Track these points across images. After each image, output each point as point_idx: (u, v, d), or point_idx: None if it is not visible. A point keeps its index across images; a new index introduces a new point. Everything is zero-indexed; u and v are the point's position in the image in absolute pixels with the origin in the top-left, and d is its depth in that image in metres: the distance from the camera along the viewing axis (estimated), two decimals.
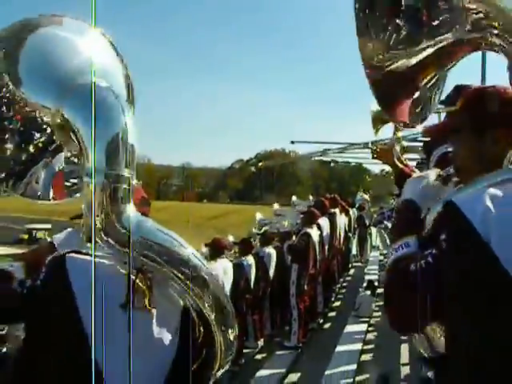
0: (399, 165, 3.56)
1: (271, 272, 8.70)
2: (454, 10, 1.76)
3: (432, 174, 1.96)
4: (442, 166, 3.24)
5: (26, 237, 61.42)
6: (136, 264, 1.77)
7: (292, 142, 5.40)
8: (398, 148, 3.68)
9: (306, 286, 8.27)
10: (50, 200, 2.18)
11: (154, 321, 1.85)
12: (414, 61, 1.89)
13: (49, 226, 64.06)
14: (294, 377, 6.92)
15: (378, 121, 4.27)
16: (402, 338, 7.71)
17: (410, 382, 5.94)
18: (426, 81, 2.00)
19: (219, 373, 2.09)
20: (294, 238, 9.34)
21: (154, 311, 1.85)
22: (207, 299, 1.86)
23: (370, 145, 3.92)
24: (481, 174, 1.56)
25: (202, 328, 1.93)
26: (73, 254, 1.84)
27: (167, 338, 1.88)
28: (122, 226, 1.72)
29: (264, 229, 12.04)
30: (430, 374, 5.34)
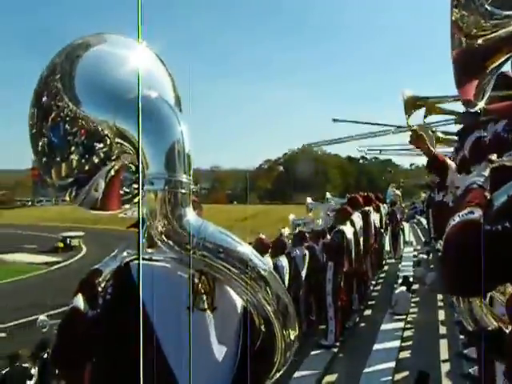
0: (432, 150, 3.62)
1: (303, 272, 8.66)
2: None
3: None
4: (475, 150, 3.28)
5: (61, 245, 62.75)
6: (198, 266, 1.84)
7: (334, 120, 5.44)
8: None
9: (341, 284, 8.22)
10: (106, 210, 2.25)
11: (218, 321, 1.90)
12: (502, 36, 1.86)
13: (82, 233, 65.31)
14: (331, 377, 6.87)
15: (410, 106, 4.27)
16: (441, 334, 7.62)
17: (452, 378, 5.84)
18: (498, 62, 1.96)
19: (276, 375, 2.09)
20: (327, 236, 9.29)
21: (217, 312, 1.90)
22: (268, 297, 1.91)
23: (411, 128, 3.97)
24: None
25: (262, 327, 1.97)
26: (136, 262, 1.89)
27: (230, 337, 1.94)
28: (184, 229, 1.80)
29: (298, 229, 11.99)
30: (471, 370, 5.28)
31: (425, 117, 4.63)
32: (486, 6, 1.83)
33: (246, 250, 1.90)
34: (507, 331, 1.90)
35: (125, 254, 2.41)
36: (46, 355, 10.39)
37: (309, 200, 15.31)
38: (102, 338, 1.84)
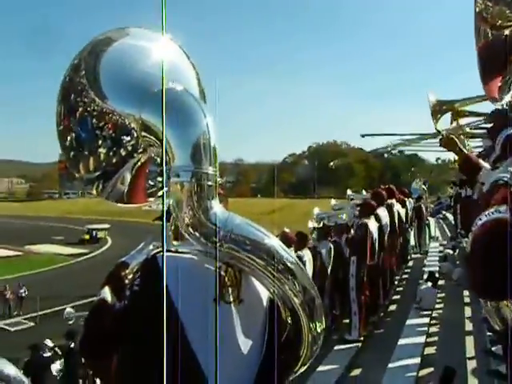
0: (465, 151, 3.56)
1: (329, 266, 8.62)
2: None
3: None
4: (507, 147, 3.22)
5: (87, 237, 63.88)
6: (225, 258, 1.83)
7: (362, 136, 5.39)
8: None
9: (365, 279, 8.16)
10: (132, 203, 2.27)
11: (244, 314, 1.90)
12: None
13: (108, 225, 66.31)
14: (355, 372, 6.84)
15: (437, 111, 4.25)
16: (467, 330, 7.51)
17: (478, 375, 5.76)
18: None
19: (302, 369, 2.08)
20: (351, 230, 9.22)
21: (243, 305, 1.89)
22: (295, 289, 1.89)
23: (441, 133, 3.94)
24: None
25: (289, 319, 1.95)
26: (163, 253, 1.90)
27: (256, 330, 1.93)
28: (210, 222, 1.80)
29: (322, 223, 11.91)
30: (501, 368, 5.19)
31: (451, 122, 4.60)
32: None
33: (272, 242, 1.88)
34: None
35: (151, 247, 2.42)
36: (72, 345, 10.62)
37: (333, 202, 15.20)
38: (130, 329, 1.85)
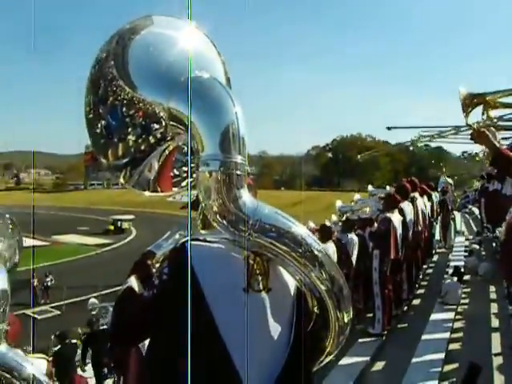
0: (497, 145, 3.49)
1: (353, 259, 8.57)
2: None
3: None
4: None
5: (112, 227, 64.71)
6: (253, 247, 1.83)
7: (388, 128, 5.27)
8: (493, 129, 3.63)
9: (388, 273, 8.09)
10: (158, 192, 2.28)
11: (272, 303, 1.89)
12: None
13: (132, 216, 67.05)
14: (378, 365, 6.80)
15: (468, 104, 4.17)
16: (493, 327, 7.40)
17: (504, 372, 5.67)
18: None
19: (327, 359, 2.08)
20: (375, 224, 9.15)
21: (271, 293, 1.89)
22: (322, 278, 1.89)
23: (473, 125, 3.85)
24: None
25: (316, 309, 1.95)
26: (192, 242, 1.89)
27: (284, 318, 1.92)
28: (239, 210, 1.80)
29: (345, 216, 11.86)
30: None
31: (483, 113, 4.51)
32: None
33: (300, 230, 1.88)
34: None
35: (177, 235, 2.43)
36: (84, 335, 10.95)
37: (357, 196, 15.11)
38: (159, 318, 1.85)
